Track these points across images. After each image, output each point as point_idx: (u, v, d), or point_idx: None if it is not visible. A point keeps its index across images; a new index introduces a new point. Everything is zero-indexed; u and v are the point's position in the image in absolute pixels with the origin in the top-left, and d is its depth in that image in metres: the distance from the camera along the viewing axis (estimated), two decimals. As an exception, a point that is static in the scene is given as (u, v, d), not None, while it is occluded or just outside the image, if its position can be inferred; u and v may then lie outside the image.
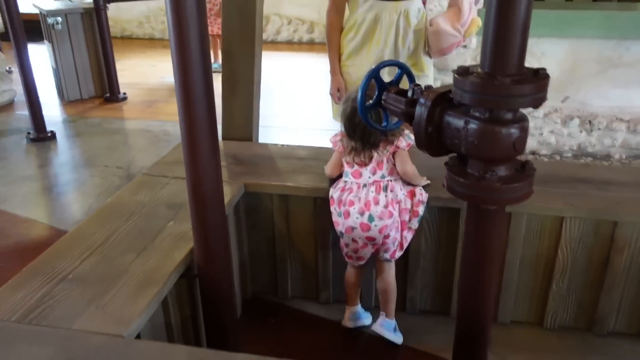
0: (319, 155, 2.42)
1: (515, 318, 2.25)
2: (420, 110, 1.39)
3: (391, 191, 1.99)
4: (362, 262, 2.11)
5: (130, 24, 8.71)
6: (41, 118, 4.45)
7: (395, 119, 1.69)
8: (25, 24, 4.23)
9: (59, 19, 5.21)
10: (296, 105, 5.34)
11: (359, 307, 2.23)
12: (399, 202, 2.00)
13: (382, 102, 1.61)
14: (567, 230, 2.03)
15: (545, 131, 3.81)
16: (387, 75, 1.73)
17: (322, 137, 2.91)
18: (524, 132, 1.29)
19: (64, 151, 4.38)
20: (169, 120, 4.73)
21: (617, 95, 3.70)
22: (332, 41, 2.59)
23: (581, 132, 3.80)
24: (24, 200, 3.44)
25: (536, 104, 1.27)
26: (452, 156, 1.44)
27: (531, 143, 3.78)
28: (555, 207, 2.01)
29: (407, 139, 1.98)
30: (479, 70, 1.27)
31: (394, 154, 2.00)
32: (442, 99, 1.37)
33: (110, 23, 5.51)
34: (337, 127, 2.11)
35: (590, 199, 2.06)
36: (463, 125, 1.31)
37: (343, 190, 2.03)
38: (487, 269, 1.45)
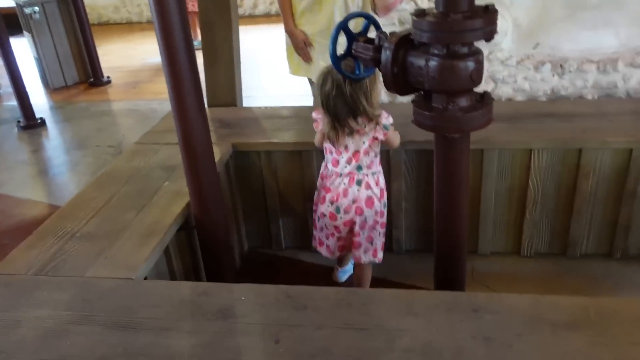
0: (300, 113, 2.55)
1: (494, 249, 2.41)
2: (386, 54, 1.52)
3: (365, 188, 2.00)
4: (329, 256, 2.15)
5: (107, 10, 8.70)
6: (29, 106, 4.53)
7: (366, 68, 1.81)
8: (3, 18, 4.28)
9: (36, 8, 5.24)
10: (277, 75, 5.43)
11: (347, 266, 2.35)
12: (372, 200, 2.01)
13: (353, 51, 1.73)
14: (535, 161, 2.18)
15: (519, 78, 3.91)
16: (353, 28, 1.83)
17: (303, 101, 3.04)
18: (480, 64, 1.43)
19: (55, 136, 4.48)
20: (155, 99, 4.81)
21: (586, 37, 3.80)
22: (284, 1, 2.67)
23: (553, 76, 3.91)
24: (22, 183, 3.56)
25: (488, 37, 1.40)
26: (417, 94, 1.57)
27: (506, 90, 3.90)
28: (523, 141, 2.16)
29: (383, 128, 1.97)
30: (434, 10, 1.40)
31: (374, 142, 1.99)
32: (405, 42, 1.50)
33: (86, 10, 5.55)
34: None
35: (555, 130, 2.21)
36: (425, 63, 1.44)
37: (323, 176, 2.08)
38: (458, 193, 1.60)
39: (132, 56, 6.62)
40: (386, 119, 1.97)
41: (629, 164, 2.15)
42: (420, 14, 1.39)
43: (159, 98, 4.49)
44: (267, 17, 8.18)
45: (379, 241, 2.09)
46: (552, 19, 3.79)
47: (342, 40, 1.72)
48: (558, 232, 2.34)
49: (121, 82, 5.65)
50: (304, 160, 2.33)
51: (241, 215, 2.51)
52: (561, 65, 3.89)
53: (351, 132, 1.95)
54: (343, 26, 1.72)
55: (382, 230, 2.10)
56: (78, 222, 1.83)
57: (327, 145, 2.03)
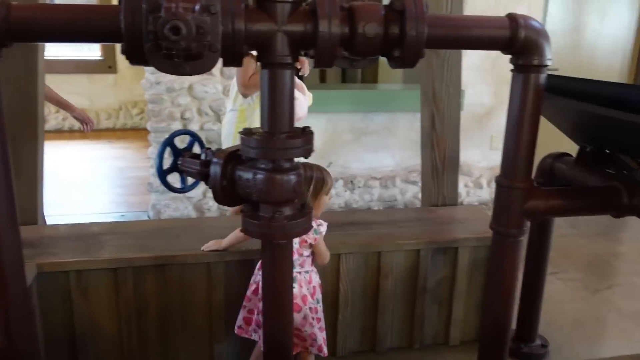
0: (114, 229, 2.46)
1: (353, 349, 2.54)
2: (215, 169, 1.62)
3: (299, 286, 2.10)
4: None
5: None
6: None
7: (192, 180, 1.88)
8: None
9: None
10: (75, 193, 5.14)
11: None
12: (306, 298, 2.10)
13: (179, 166, 1.81)
14: (344, 265, 2.41)
15: (317, 193, 4.35)
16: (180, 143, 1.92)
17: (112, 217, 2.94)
18: (300, 177, 1.61)
19: None
20: None
21: (369, 158, 4.44)
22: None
23: (346, 191, 4.43)
24: None
25: (306, 154, 1.60)
26: (246, 204, 1.69)
27: (307, 204, 4.27)
28: (332, 247, 2.38)
29: (314, 232, 2.08)
30: (260, 130, 1.57)
31: (303, 245, 2.10)
32: (233, 157, 1.63)
33: None
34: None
35: (357, 236, 2.49)
36: (252, 176, 1.57)
37: None
38: (284, 296, 1.69)
39: None
40: (319, 226, 2.10)
41: (418, 262, 2.51)
42: (248, 132, 1.55)
43: None
44: (58, 133, 7.78)
45: (320, 336, 2.15)
46: (342, 141, 4.37)
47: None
48: (367, 330, 2.55)
49: None
50: (120, 279, 2.22)
51: (43, 346, 2.24)
52: (351, 181, 4.44)
53: None
54: (169, 142, 1.79)
55: (319, 325, 2.15)
56: None
57: None
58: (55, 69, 6.38)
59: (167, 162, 1.82)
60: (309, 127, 1.60)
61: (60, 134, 7.79)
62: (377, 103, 4.39)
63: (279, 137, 1.50)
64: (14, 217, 1.58)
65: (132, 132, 7.43)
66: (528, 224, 1.90)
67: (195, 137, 1.86)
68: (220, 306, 2.35)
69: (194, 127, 3.76)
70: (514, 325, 2.67)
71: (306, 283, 2.15)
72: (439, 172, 2.86)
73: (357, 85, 4.83)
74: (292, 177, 1.57)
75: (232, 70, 3.75)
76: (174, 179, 1.88)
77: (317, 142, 4.66)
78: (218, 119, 3.82)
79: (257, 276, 2.16)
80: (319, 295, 2.20)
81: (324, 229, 2.13)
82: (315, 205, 2.06)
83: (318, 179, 2.08)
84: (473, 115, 4.52)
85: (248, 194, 1.60)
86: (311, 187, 2.06)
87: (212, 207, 4.00)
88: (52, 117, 7.87)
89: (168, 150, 1.81)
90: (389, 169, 4.50)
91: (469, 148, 4.52)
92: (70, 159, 6.41)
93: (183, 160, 1.77)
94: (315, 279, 2.20)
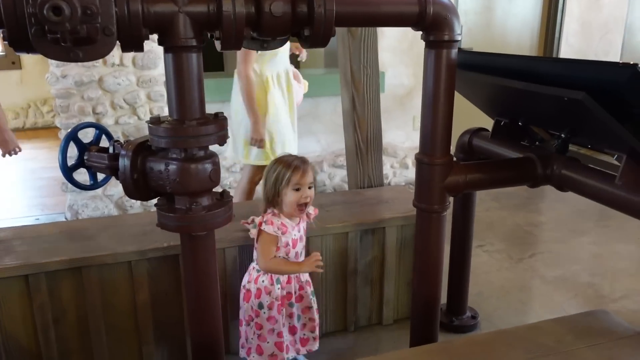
0: (23, 234, 2.29)
1: None
2: (124, 162, 1.53)
3: (247, 281, 2.09)
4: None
5: None
6: None
7: (102, 176, 1.77)
8: None
9: None
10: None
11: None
12: (249, 294, 2.06)
13: (85, 161, 1.69)
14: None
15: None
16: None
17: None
18: (217, 165, 1.54)
19: None
20: None
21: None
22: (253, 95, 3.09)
23: (274, 179, 4.37)
24: None
25: (221, 141, 1.54)
26: (160, 198, 1.60)
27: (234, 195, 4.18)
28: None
29: (252, 226, 2.08)
30: (169, 118, 1.49)
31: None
32: (142, 148, 1.54)
33: None
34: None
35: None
36: (165, 167, 1.49)
37: None
38: (210, 290, 1.64)
39: None
40: (263, 221, 2.00)
41: (347, 245, 2.50)
42: (155, 121, 1.46)
43: None
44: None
45: (254, 343, 2.06)
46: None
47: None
48: (301, 316, 2.52)
49: None
50: (32, 286, 2.07)
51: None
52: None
53: None
54: (72, 137, 1.67)
55: (258, 332, 2.05)
56: None
57: None
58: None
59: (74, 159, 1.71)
60: (221, 112, 1.53)
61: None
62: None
63: (190, 124, 1.43)
64: None
65: (44, 131, 7.01)
66: (450, 199, 1.92)
67: (101, 130, 1.76)
68: (146, 305, 2.24)
69: (108, 121, 3.57)
70: (444, 299, 2.75)
71: (252, 281, 2.09)
72: (362, 153, 2.87)
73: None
74: (208, 166, 1.51)
75: (146, 60, 3.59)
76: (85, 177, 1.77)
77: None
78: (134, 111, 3.65)
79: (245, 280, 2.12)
80: (262, 300, 2.07)
81: (270, 228, 1.99)
82: (282, 201, 2.00)
83: (279, 172, 1.98)
84: (394, 96, 4.58)
85: (161, 186, 1.53)
86: (272, 180, 2.00)
87: (135, 204, 3.84)
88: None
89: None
90: (316, 154, 4.48)
91: (392, 129, 4.58)
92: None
93: (89, 155, 1.66)
94: (260, 282, 2.08)
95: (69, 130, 1.67)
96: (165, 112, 3.34)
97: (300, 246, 2.13)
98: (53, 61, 3.36)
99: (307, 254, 2.16)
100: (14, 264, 2.05)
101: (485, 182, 1.94)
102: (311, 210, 2.17)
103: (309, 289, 2.18)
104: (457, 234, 2.59)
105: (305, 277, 2.16)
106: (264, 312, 2.06)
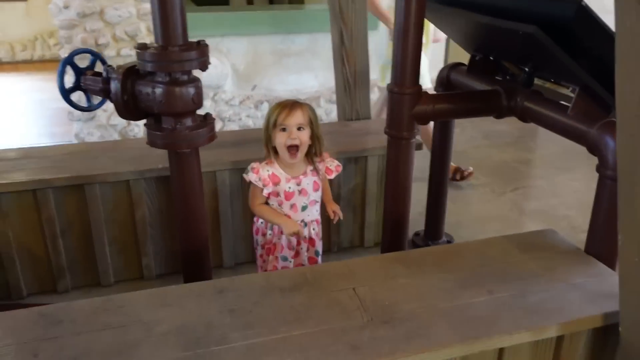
0: (31, 154, 2.49)
1: (238, 260, 2.71)
2: (115, 84, 1.69)
3: None
4: None
5: None
6: None
7: (99, 99, 1.94)
8: None
9: None
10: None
11: None
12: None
13: (82, 85, 1.86)
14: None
15: (243, 116, 4.42)
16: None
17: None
18: (199, 89, 1.70)
19: None
20: None
21: (293, 79, 4.52)
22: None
23: (271, 112, 4.52)
24: None
25: (203, 67, 1.69)
26: (149, 118, 1.78)
27: (233, 127, 4.35)
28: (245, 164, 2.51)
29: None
30: (155, 44, 1.64)
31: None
32: (131, 72, 1.70)
33: None
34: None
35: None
36: (152, 90, 1.66)
37: None
38: (195, 199, 1.83)
39: None
40: (250, 167, 1.99)
41: (331, 172, 2.68)
42: (142, 47, 1.62)
43: None
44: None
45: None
46: (264, 64, 4.41)
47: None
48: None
49: None
50: (40, 200, 2.29)
51: (-31, 268, 2.32)
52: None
53: None
54: (69, 61, 1.83)
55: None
56: None
57: None
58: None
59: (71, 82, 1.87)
60: (203, 40, 1.68)
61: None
62: (297, 24, 4.42)
63: (172, 50, 1.58)
64: None
65: (51, 64, 7.11)
66: (419, 127, 2.08)
67: (96, 56, 1.91)
68: (144, 221, 2.46)
69: (110, 53, 3.71)
70: (421, 226, 2.96)
71: None
72: (351, 87, 3.00)
73: (282, 7, 4.83)
74: (190, 90, 1.67)
75: (146, -8, 3.67)
76: (82, 99, 1.94)
77: (241, 65, 4.67)
78: (135, 43, 3.76)
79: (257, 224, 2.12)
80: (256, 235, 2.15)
81: (253, 175, 1.98)
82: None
83: (269, 114, 1.94)
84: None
85: (149, 108, 1.69)
86: (264, 124, 1.96)
87: (138, 134, 4.03)
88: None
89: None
90: (314, 89, 4.61)
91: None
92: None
93: (85, 78, 1.83)
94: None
95: (66, 54, 1.82)
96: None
97: (301, 200, 2.03)
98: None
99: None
100: (23, 179, 2.27)
101: (451, 111, 2.09)
102: (331, 165, 2.10)
103: (312, 248, 2.15)
104: (435, 162, 2.74)
105: (313, 233, 2.13)
106: (262, 250, 2.13)
